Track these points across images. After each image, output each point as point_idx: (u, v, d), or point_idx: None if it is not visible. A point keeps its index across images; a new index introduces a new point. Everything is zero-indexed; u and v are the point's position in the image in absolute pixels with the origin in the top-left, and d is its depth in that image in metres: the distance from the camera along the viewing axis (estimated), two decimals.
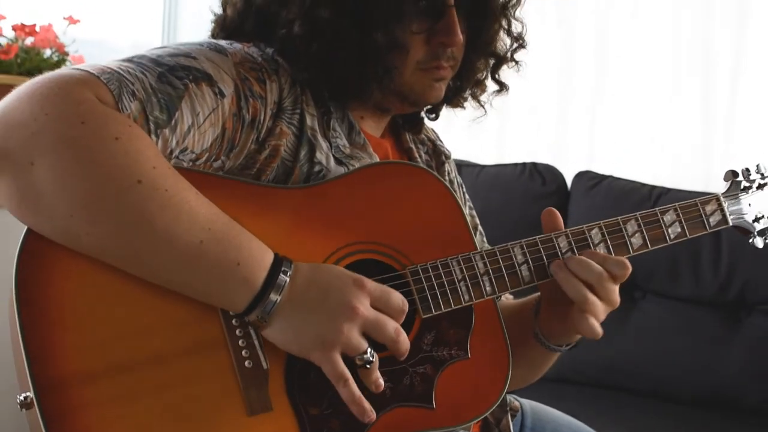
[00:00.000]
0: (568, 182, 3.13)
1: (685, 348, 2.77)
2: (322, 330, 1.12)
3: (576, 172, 3.13)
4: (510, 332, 1.30)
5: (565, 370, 2.83)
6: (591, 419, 1.67)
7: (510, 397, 1.54)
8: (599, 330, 1.28)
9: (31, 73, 2.49)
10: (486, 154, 3.34)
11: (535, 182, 3.11)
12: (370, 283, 1.16)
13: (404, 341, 1.17)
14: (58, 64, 2.59)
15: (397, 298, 1.17)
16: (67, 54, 2.65)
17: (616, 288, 1.30)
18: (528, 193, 3.09)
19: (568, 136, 3.34)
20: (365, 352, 1.14)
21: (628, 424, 2.49)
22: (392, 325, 1.16)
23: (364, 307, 1.14)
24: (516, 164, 3.18)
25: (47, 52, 2.61)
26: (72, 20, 2.70)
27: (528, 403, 1.60)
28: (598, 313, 1.28)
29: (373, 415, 1.15)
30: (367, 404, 1.14)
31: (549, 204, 2.94)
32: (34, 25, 2.57)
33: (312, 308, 1.13)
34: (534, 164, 3.15)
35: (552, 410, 1.63)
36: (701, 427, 2.58)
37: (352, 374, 1.14)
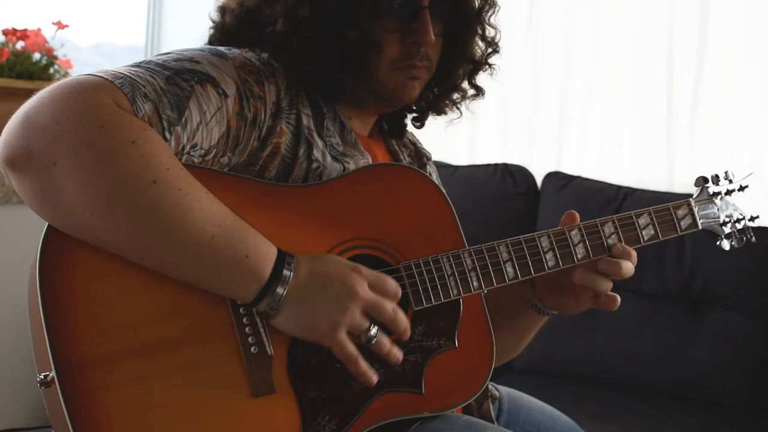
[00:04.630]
0: (539, 182, 3.16)
1: (650, 341, 2.82)
2: (329, 313, 1.18)
3: (546, 172, 3.16)
4: (500, 302, 1.41)
5: (536, 362, 2.89)
6: (560, 406, 1.70)
7: (490, 386, 1.58)
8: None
9: (21, 76, 2.54)
10: (459, 156, 3.36)
11: (506, 182, 3.14)
12: (366, 270, 1.22)
13: (402, 319, 1.23)
14: (47, 67, 2.61)
15: (392, 283, 1.24)
16: (55, 58, 2.66)
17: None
18: (500, 193, 3.13)
19: (539, 138, 3.35)
20: (368, 330, 1.21)
21: (595, 411, 2.53)
22: (390, 305, 1.22)
23: (363, 289, 1.20)
24: (488, 165, 3.21)
25: (36, 56, 2.61)
26: (60, 25, 2.71)
27: (505, 390, 1.65)
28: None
29: (376, 378, 1.23)
30: (374, 375, 1.23)
31: (520, 203, 3.13)
32: (25, 30, 2.58)
33: (317, 295, 1.19)
34: (506, 165, 3.19)
35: (526, 396, 1.68)
36: (665, 416, 2.62)
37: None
